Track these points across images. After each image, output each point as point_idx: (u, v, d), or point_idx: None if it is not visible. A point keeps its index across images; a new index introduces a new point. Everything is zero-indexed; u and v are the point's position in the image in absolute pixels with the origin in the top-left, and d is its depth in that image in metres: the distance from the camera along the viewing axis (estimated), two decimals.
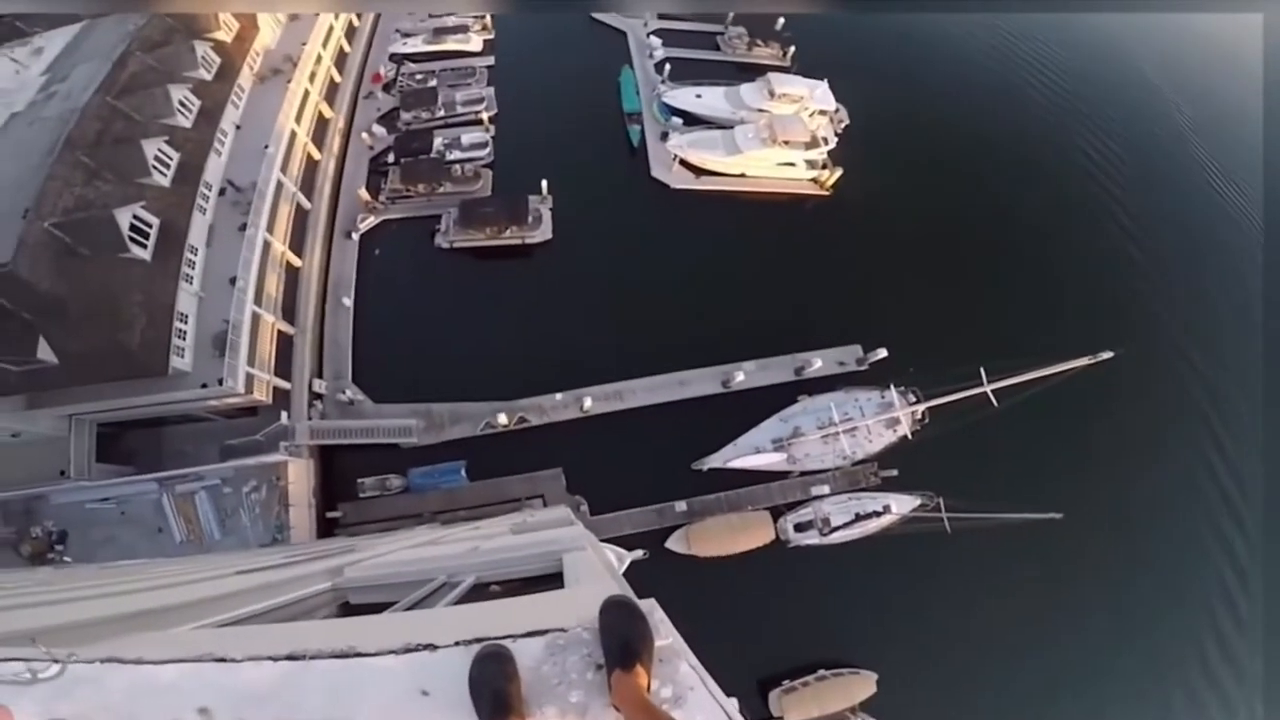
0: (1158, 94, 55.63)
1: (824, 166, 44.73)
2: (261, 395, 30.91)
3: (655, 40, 51.22)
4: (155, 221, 29.73)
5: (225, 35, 38.29)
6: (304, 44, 42.30)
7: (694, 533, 31.33)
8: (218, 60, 37.21)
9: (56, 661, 2.59)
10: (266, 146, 36.06)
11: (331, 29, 45.90)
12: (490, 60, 49.63)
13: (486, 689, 2.36)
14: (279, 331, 33.43)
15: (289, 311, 34.83)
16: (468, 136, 43.68)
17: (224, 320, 30.06)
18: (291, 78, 40.18)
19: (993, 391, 31.34)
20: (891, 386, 34.40)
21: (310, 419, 31.81)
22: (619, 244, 40.61)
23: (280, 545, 26.83)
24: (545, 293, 37.94)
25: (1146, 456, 36.94)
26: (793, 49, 52.60)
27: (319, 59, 43.61)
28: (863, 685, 30.04)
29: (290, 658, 2.51)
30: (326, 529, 29.85)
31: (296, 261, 36.45)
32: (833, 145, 45.05)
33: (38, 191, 27.48)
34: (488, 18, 52.17)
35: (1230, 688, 32.10)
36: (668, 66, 48.72)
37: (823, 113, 47.09)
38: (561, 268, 39.06)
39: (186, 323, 29.46)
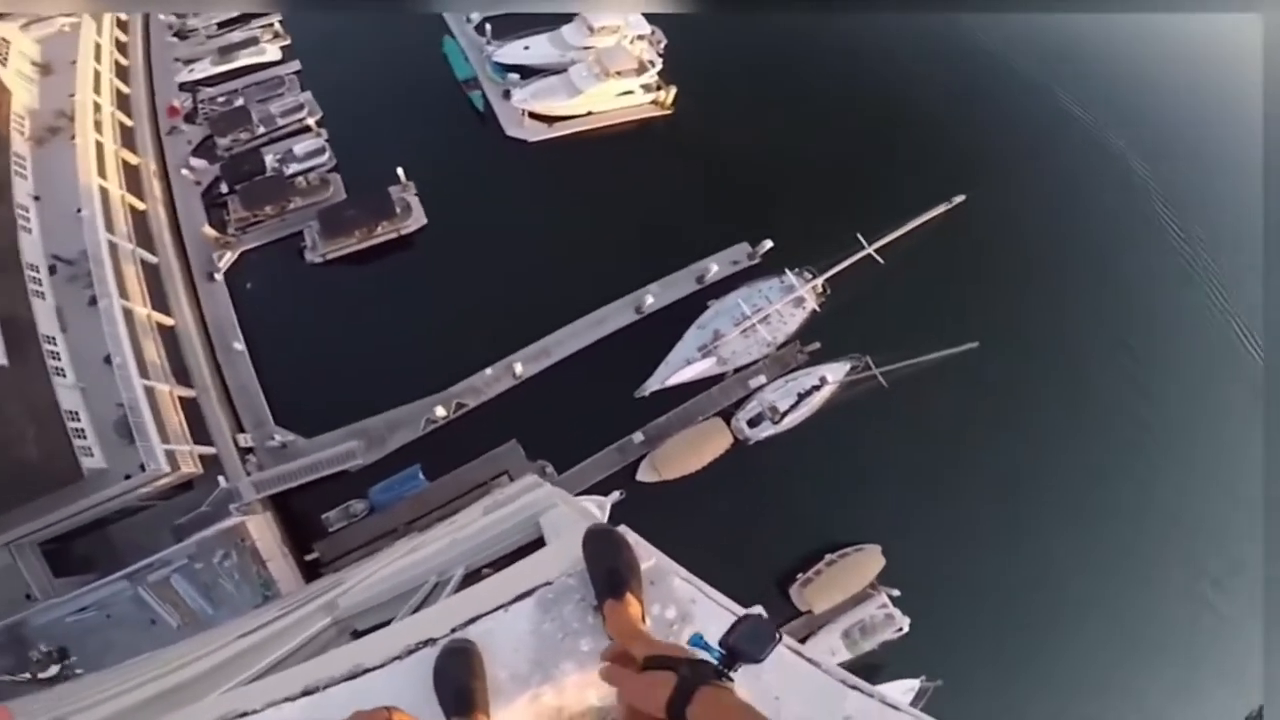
0: None
1: (659, 88, 47.27)
2: (190, 467, 30.37)
3: None
4: None
5: None
6: (72, 95, 39.13)
7: (659, 458, 33.09)
8: None
9: None
10: (79, 210, 33.76)
11: (98, 74, 42.38)
12: (295, 65, 47.90)
13: (449, 686, 2.42)
14: (180, 398, 32.34)
15: (181, 374, 33.62)
16: (301, 146, 42.32)
17: (117, 405, 29.02)
18: (74, 133, 37.33)
19: (875, 251, 35.42)
20: (787, 270, 37.66)
21: (249, 474, 31.46)
22: (495, 209, 41.26)
23: (273, 601, 26.92)
24: (439, 276, 38.23)
25: (1020, 276, 42.90)
26: None
27: (97, 107, 40.33)
28: (871, 560, 32.21)
29: (306, 693, 2.62)
30: (311, 572, 29.89)
31: (167, 320, 34.93)
32: (659, 66, 47.38)
33: None
34: (276, 24, 50.07)
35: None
36: (488, 26, 48.85)
37: (640, 37, 49.38)
38: (446, 248, 39.31)
39: (79, 419, 28.36)
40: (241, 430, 33.19)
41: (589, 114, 45.59)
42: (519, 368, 34.06)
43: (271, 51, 48.82)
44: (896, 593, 31.76)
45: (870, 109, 49.77)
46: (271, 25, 50.20)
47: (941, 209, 36.23)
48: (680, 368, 34.80)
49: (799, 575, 31.94)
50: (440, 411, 32.77)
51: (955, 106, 50.91)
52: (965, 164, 45.91)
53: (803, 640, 30.14)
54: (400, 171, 39.85)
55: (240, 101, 45.83)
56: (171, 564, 27.65)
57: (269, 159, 42.01)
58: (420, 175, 40.65)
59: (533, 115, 44.59)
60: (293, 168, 41.41)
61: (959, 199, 36.17)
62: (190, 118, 46.03)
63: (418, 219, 39.64)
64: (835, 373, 35.84)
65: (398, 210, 38.83)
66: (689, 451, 33.31)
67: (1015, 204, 45.09)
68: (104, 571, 27.69)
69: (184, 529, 29.10)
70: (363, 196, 39.46)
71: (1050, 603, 33.36)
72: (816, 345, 36.53)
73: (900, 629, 31.31)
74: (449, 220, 39.99)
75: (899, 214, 36.61)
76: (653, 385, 34.72)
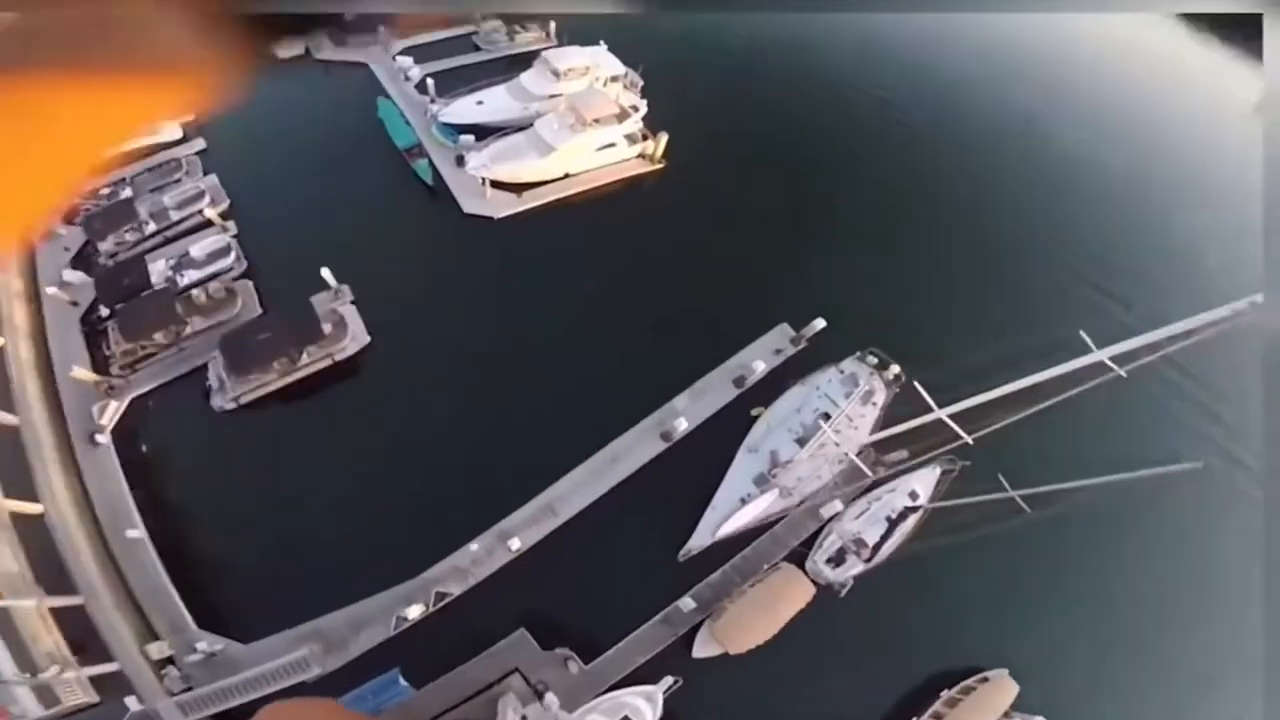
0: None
1: (645, 137, 42.57)
2: (79, 697, 24.54)
3: (406, 60, 46.49)
4: None
5: None
6: None
7: (720, 629, 27.01)
8: None
9: None
10: None
11: None
12: (199, 144, 41.88)
13: None
14: (54, 610, 25.89)
15: (55, 581, 26.68)
16: (199, 246, 35.58)
17: None
18: None
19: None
20: (847, 360, 32.32)
21: (174, 694, 25.16)
22: (457, 314, 34.91)
23: None
24: (393, 416, 31.30)
25: None
26: (553, 24, 50.52)
27: None
28: (1003, 688, 27.76)
29: None
30: None
31: (33, 509, 27.71)
32: (644, 111, 42.72)
33: None
34: None
35: None
36: (430, 83, 43.82)
37: (615, 79, 44.82)
38: (398, 375, 32.52)
39: None
40: (155, 638, 26.71)
41: (565, 177, 40.41)
42: (515, 542, 27.62)
43: (170, 130, 42.37)
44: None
45: (895, 138, 46.49)
46: None
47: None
48: (734, 510, 28.40)
49: (913, 719, 27.54)
50: (414, 612, 26.38)
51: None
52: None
53: None
54: (327, 274, 33.41)
55: (127, 193, 39.28)
56: None
57: (158, 266, 35.23)
58: (357, 276, 34.30)
59: (495, 184, 39.01)
60: (188, 276, 34.57)
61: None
62: (69, 218, 38.51)
63: (357, 337, 32.91)
64: (924, 482, 30.57)
65: (327, 328, 32.16)
66: (760, 613, 27.14)
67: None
68: None
69: None
70: (279, 314, 32.81)
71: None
72: (903, 454, 30.15)
73: None
74: (398, 336, 33.18)
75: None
76: (701, 540, 28.26)
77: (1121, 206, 46.29)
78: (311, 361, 31.79)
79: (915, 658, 28.79)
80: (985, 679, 28.15)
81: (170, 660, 26.38)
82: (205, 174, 39.85)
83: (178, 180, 39.46)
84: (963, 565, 29.63)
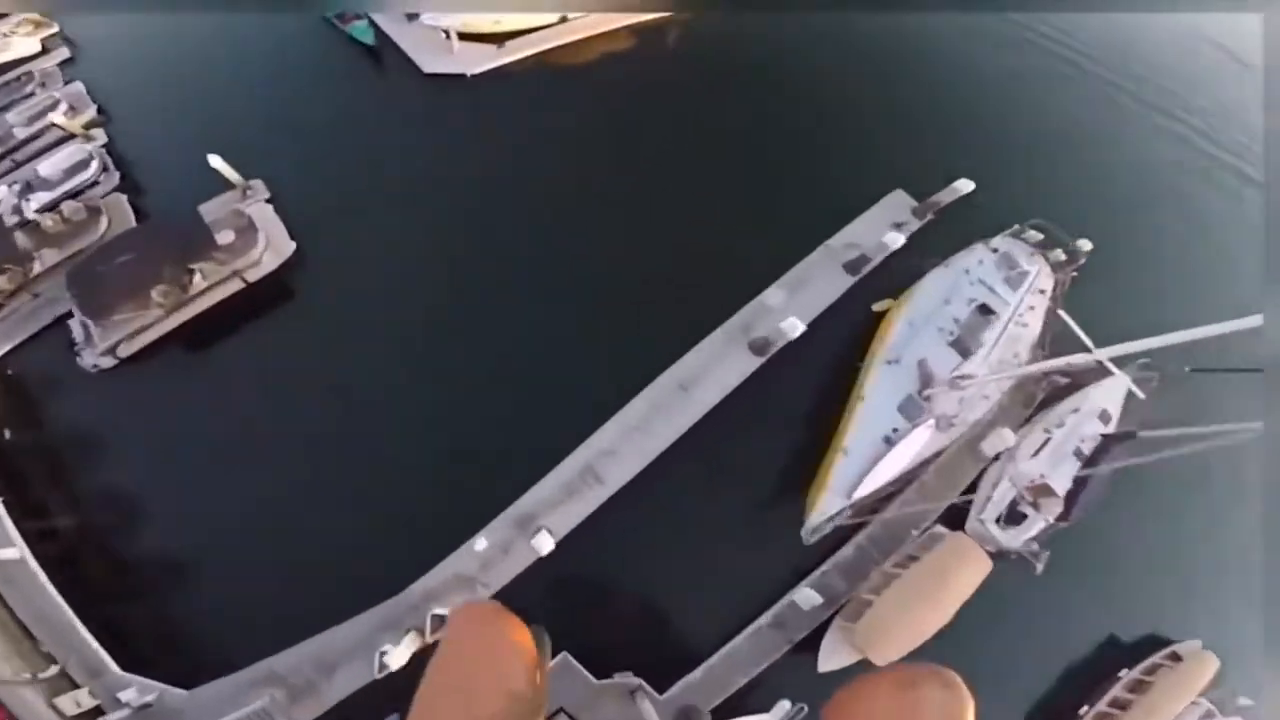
0: None
1: None
2: None
3: None
4: None
5: None
6: None
7: (862, 632, 19.91)
8: None
9: None
10: None
11: None
12: (64, 54, 35.09)
13: None
14: None
15: None
16: (50, 163, 28.20)
17: None
18: None
19: None
20: (997, 236, 24.47)
21: None
22: (429, 201, 27.27)
23: None
24: (349, 352, 23.63)
25: None
26: None
27: None
28: (1199, 664, 22.67)
29: None
30: None
31: None
32: None
33: None
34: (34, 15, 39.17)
35: None
36: None
37: None
38: (349, 294, 24.61)
39: None
40: (74, 685, 21.69)
41: (562, 21, 32.67)
42: (545, 541, 19.61)
43: (27, 45, 35.62)
44: (1248, 701, 22.38)
45: None
46: (24, 20, 37.79)
47: None
48: (876, 454, 20.03)
49: (1084, 708, 21.99)
50: (402, 650, 18.50)
51: None
52: None
53: None
54: (219, 163, 25.47)
55: None
56: None
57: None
58: (284, 169, 26.70)
59: (465, 37, 31.56)
60: (38, 199, 27.12)
61: None
62: None
63: (277, 247, 24.83)
64: (1112, 399, 22.58)
65: (227, 236, 23.86)
66: (917, 607, 19.44)
67: None
68: None
69: None
70: (146, 226, 25.76)
71: None
72: (1095, 357, 20.99)
73: None
74: (342, 240, 25.93)
75: None
76: (831, 506, 19.91)
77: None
78: (211, 286, 23.87)
79: (1083, 627, 23.12)
80: (1176, 656, 23.17)
81: (98, 712, 21.37)
82: (66, 83, 32.67)
83: (29, 95, 32.28)
84: (1145, 512, 23.37)
